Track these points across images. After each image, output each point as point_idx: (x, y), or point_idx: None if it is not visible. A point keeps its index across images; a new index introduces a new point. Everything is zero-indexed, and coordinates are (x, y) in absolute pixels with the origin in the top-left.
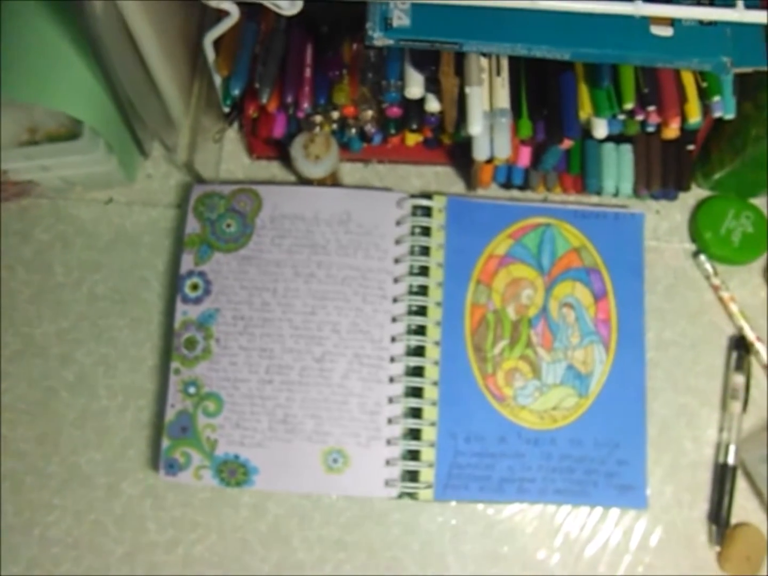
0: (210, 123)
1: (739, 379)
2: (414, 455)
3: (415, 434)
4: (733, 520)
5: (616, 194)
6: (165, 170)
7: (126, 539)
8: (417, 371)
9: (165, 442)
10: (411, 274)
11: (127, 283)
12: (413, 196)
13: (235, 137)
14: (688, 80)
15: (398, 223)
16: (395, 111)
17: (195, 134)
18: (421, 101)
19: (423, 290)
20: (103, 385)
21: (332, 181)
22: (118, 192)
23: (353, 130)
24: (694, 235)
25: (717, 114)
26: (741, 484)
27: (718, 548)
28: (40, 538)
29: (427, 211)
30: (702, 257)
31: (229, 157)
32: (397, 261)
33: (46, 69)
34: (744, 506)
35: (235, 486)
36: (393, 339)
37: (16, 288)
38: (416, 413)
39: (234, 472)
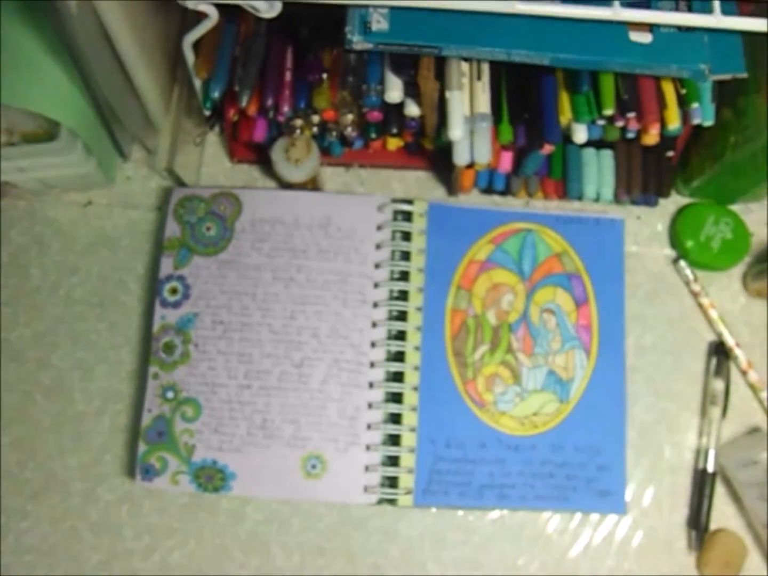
0: (191, 126)
1: (718, 385)
2: (393, 461)
3: (394, 440)
4: (713, 526)
5: (597, 199)
6: (145, 172)
7: (102, 546)
8: (397, 376)
9: (141, 447)
10: (391, 279)
11: (106, 286)
12: (394, 200)
13: (216, 141)
14: (668, 87)
15: (379, 227)
16: (375, 115)
17: (175, 137)
18: (402, 105)
19: (403, 295)
20: (79, 389)
21: (313, 185)
22: (97, 194)
23: (334, 134)
24: (674, 241)
25: (696, 121)
26: (720, 489)
27: (696, 553)
28: (15, 545)
29: (407, 216)
30: (682, 263)
31: (210, 160)
32: (377, 266)
33: (22, 70)
34: (723, 512)
35: (212, 491)
36: (373, 344)
37: None
38: (396, 419)
39: (211, 478)
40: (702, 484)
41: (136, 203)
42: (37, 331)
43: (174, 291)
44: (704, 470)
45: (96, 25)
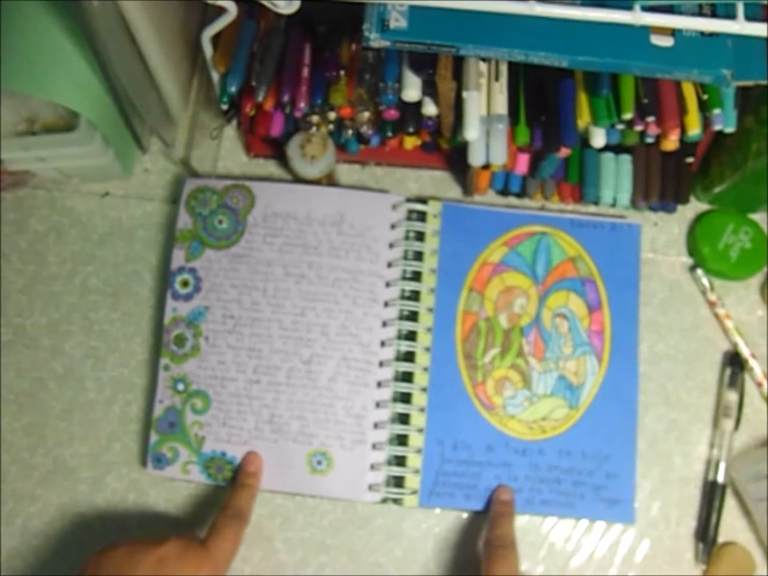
0: (209, 120)
1: (732, 397)
2: (400, 461)
3: (401, 440)
4: (721, 539)
5: (613, 205)
6: (162, 165)
7: (109, 533)
8: (406, 377)
9: (153, 437)
10: (403, 278)
11: (120, 276)
12: (409, 200)
13: (233, 135)
14: (689, 92)
15: (393, 226)
16: (392, 113)
17: (193, 130)
18: (419, 104)
19: (415, 295)
20: (91, 377)
21: (328, 182)
22: (115, 185)
23: (350, 132)
24: (692, 248)
25: (717, 127)
26: (730, 502)
27: (704, 567)
28: (22, 528)
29: (422, 216)
30: (699, 271)
31: (227, 154)
32: (390, 265)
33: (45, 60)
34: (732, 525)
35: (222, 482)
36: (383, 343)
37: (9, 278)
38: (404, 419)
39: (221, 469)
40: (711, 496)
41: (153, 195)
42: (52, 319)
43: (185, 283)
44: (714, 482)
45: (117, 18)
